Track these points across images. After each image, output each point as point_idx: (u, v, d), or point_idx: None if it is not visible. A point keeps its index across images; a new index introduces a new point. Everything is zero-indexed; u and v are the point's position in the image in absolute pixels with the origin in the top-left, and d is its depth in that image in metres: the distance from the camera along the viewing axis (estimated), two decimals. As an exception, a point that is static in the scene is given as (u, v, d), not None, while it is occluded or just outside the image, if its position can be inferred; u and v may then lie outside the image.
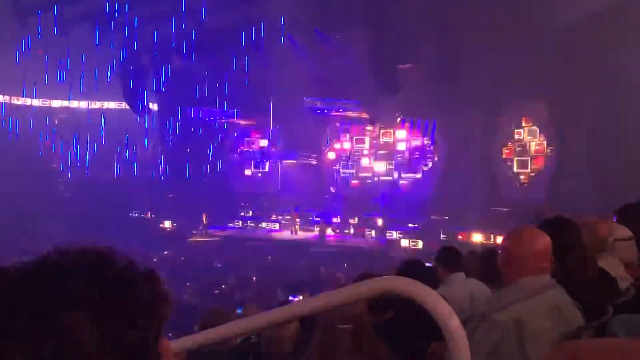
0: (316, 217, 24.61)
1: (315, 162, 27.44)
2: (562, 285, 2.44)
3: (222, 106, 27.51)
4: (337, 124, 27.02)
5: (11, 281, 0.73)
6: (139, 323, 0.74)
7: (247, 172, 29.59)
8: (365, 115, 26.19)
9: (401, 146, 26.01)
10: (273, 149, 29.40)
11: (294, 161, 27.44)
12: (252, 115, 28.14)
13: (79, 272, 0.74)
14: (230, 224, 27.09)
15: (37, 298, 0.70)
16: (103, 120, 33.25)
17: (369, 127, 26.69)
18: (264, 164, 29.11)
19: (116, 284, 0.75)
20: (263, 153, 29.30)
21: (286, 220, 25.67)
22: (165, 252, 21.51)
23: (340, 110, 26.06)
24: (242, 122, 28.93)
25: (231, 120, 28.48)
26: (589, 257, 2.84)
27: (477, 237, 19.42)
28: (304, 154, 27.39)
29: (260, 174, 29.47)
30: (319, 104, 25.70)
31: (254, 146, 30.08)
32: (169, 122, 29.99)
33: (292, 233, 24.86)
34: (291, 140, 27.74)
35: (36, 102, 34.22)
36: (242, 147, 30.24)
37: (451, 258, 4.57)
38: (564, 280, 2.47)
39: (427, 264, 5.49)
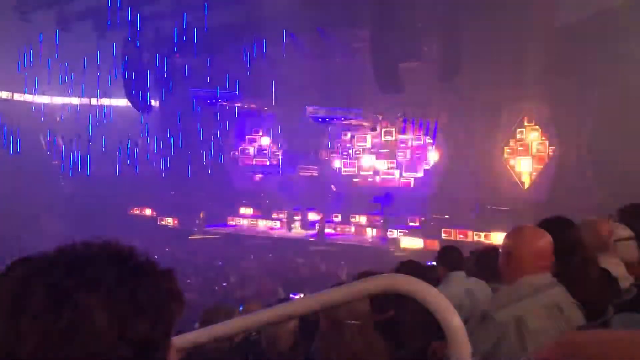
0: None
1: (316, 174, 27.44)
2: (563, 285, 2.44)
3: (224, 94, 27.45)
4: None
5: (32, 265, 0.77)
6: (150, 315, 0.76)
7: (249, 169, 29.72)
8: (366, 124, 26.25)
9: (403, 145, 26.03)
10: (274, 148, 29.47)
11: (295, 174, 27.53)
12: (253, 99, 28.07)
13: (98, 260, 0.77)
14: (230, 222, 27.13)
15: (54, 278, 0.74)
16: (104, 117, 33.27)
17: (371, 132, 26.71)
18: (264, 173, 29.23)
19: (132, 275, 0.78)
20: (263, 166, 29.43)
21: (287, 218, 25.73)
22: (167, 249, 21.54)
23: (342, 119, 26.12)
24: (243, 105, 28.76)
25: (231, 102, 28.28)
26: (590, 257, 2.84)
27: (478, 236, 19.43)
28: (305, 166, 27.43)
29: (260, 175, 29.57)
30: (320, 113, 25.72)
31: (255, 144, 30.17)
32: (171, 119, 30.02)
33: (289, 230, 24.98)
34: (293, 139, 27.78)
35: (38, 99, 34.23)
36: (243, 144, 30.31)
37: (452, 257, 4.58)
38: (565, 279, 2.47)
39: (426, 264, 5.51)
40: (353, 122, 26.28)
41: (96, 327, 0.71)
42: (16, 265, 0.77)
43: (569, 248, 2.72)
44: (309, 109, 25.47)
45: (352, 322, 2.37)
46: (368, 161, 27.01)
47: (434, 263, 5.03)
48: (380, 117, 25.99)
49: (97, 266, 0.76)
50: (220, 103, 27.97)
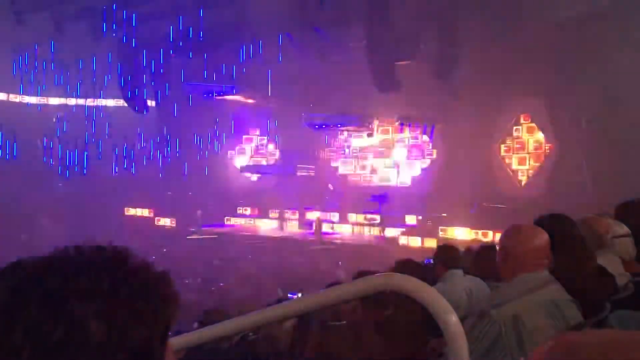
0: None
1: (313, 174, 27.40)
2: (561, 282, 2.44)
3: (220, 88, 27.40)
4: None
5: (25, 271, 0.74)
6: (147, 321, 0.74)
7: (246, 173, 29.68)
8: (364, 130, 26.25)
9: (400, 144, 26.04)
10: (272, 147, 29.47)
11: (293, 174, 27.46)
12: (249, 94, 28.01)
13: (93, 267, 0.75)
14: (228, 222, 27.10)
15: (48, 287, 0.72)
16: (101, 118, 33.17)
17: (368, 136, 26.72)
18: (262, 173, 29.19)
19: (128, 280, 0.76)
20: (260, 166, 29.40)
21: (279, 217, 25.75)
22: (164, 250, 21.51)
23: (339, 125, 26.11)
24: (241, 99, 28.69)
25: (228, 96, 28.20)
26: (588, 254, 2.84)
27: (476, 234, 19.46)
28: (303, 166, 27.40)
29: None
30: (317, 120, 25.70)
31: (251, 144, 30.15)
32: (167, 119, 29.99)
33: (281, 229, 24.98)
34: (290, 139, 27.77)
35: (34, 100, 34.11)
36: (240, 144, 30.29)
37: (449, 255, 4.58)
38: (562, 276, 2.47)
39: (423, 262, 5.51)
40: (350, 128, 26.35)
41: (92, 336, 0.69)
42: (8, 271, 0.75)
43: (568, 245, 2.72)
44: (305, 115, 25.45)
45: (338, 322, 2.38)
46: (365, 160, 27.00)
47: (432, 261, 5.04)
48: (377, 122, 26.04)
49: (91, 273, 0.74)
50: (217, 97, 27.89)
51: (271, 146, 29.71)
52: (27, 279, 0.73)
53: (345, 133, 27.32)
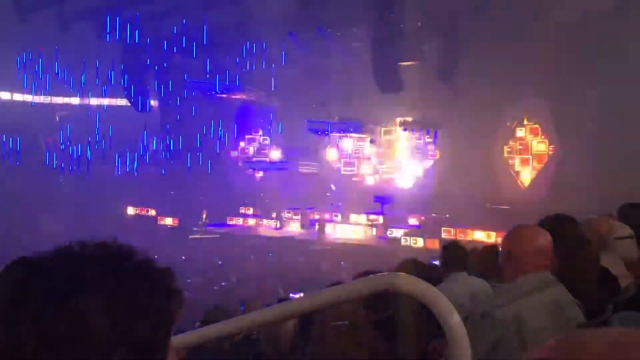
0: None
1: (316, 171, 27.38)
2: (564, 283, 2.44)
3: (223, 87, 27.47)
4: None
5: (29, 267, 0.75)
6: (151, 316, 0.75)
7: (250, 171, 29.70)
8: (366, 136, 26.26)
9: (403, 145, 26.00)
10: (274, 147, 29.45)
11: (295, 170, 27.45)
12: (253, 93, 28.06)
13: (97, 261, 0.76)
14: (230, 221, 27.09)
15: (52, 282, 0.72)
16: (104, 117, 33.18)
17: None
18: (264, 170, 29.17)
19: (132, 276, 0.76)
20: (263, 163, 29.42)
21: (277, 217, 25.77)
22: (167, 249, 21.52)
23: (341, 131, 26.10)
24: (244, 99, 28.71)
25: (231, 94, 28.22)
26: (592, 255, 2.84)
27: (478, 235, 19.43)
28: (305, 163, 27.38)
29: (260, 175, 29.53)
30: (319, 125, 25.72)
31: (254, 143, 30.13)
32: (170, 119, 30.02)
33: (283, 229, 25.00)
34: (292, 139, 27.76)
35: (37, 99, 34.13)
36: (242, 143, 30.28)
37: (454, 256, 4.57)
38: (565, 277, 2.47)
39: (427, 262, 5.51)
40: (352, 135, 26.35)
41: (96, 330, 0.70)
42: (13, 267, 0.75)
43: (571, 246, 2.72)
44: (308, 122, 25.48)
45: (339, 322, 2.37)
46: (368, 160, 26.97)
47: (436, 262, 5.03)
48: (379, 127, 26.02)
49: (95, 268, 0.74)
50: (220, 95, 27.91)
51: (274, 146, 29.67)
52: (31, 274, 0.74)
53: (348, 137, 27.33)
